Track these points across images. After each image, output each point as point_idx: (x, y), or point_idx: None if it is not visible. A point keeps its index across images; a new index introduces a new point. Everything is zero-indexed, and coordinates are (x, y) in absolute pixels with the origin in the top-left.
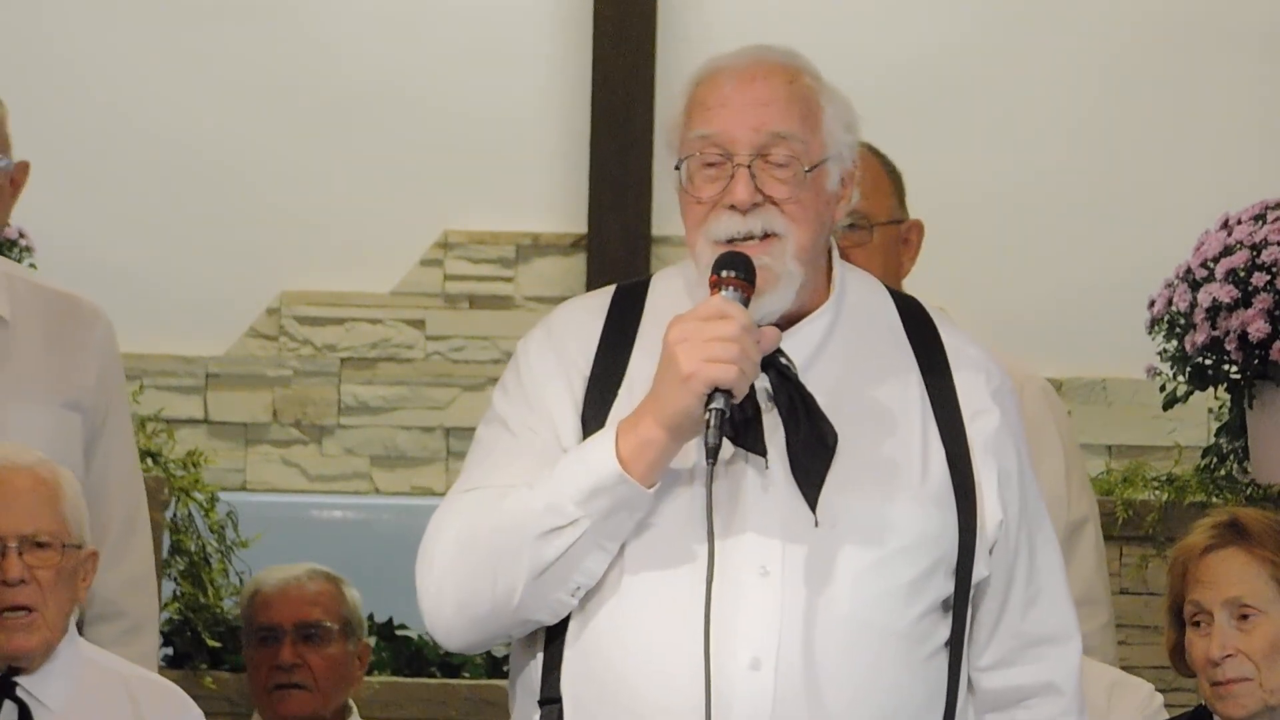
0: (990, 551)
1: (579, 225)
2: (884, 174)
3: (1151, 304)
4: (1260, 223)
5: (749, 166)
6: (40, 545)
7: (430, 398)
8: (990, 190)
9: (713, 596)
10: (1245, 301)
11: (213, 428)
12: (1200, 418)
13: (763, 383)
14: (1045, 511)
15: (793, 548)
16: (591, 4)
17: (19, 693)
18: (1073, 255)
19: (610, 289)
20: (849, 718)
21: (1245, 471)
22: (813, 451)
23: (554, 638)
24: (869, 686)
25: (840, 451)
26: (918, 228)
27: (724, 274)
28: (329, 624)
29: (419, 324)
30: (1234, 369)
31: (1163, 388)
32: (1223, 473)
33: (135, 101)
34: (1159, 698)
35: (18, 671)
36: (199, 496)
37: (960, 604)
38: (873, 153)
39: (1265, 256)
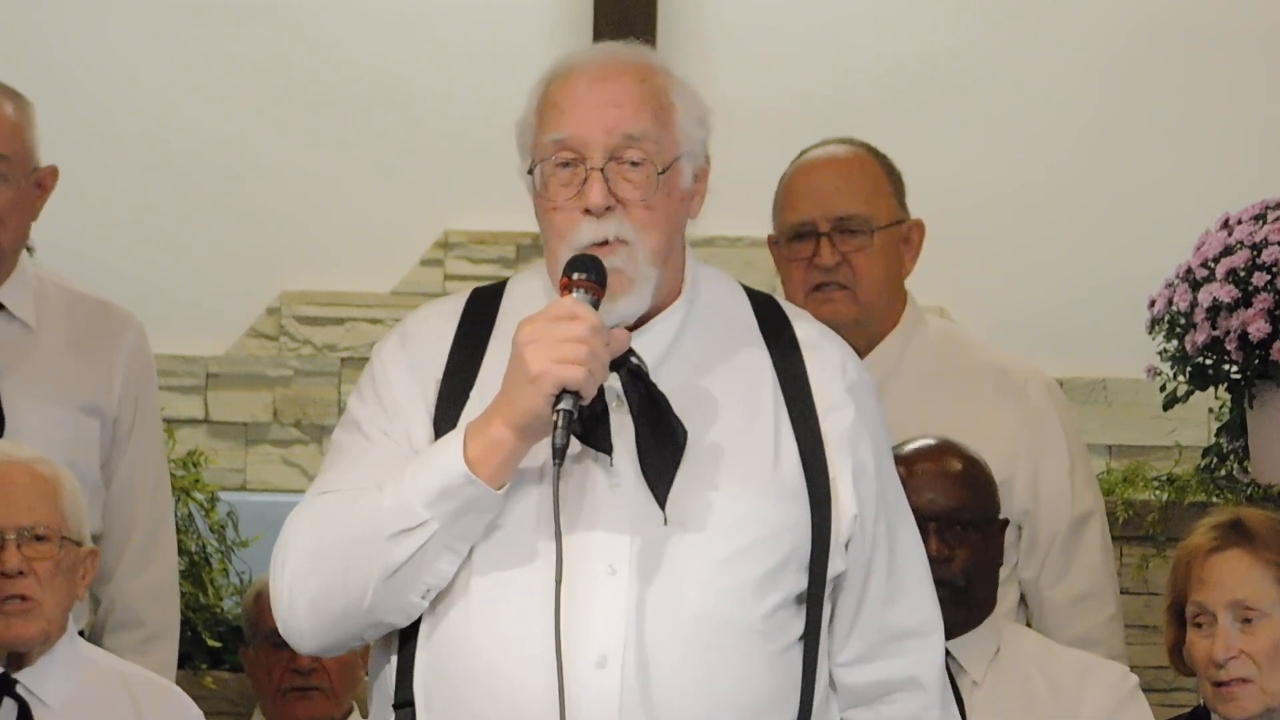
0: (846, 546)
1: None
2: (884, 176)
3: (1152, 304)
4: (1260, 222)
5: (602, 170)
6: (39, 538)
7: None
8: (991, 191)
9: (561, 595)
10: (1245, 301)
11: (213, 428)
12: (1200, 418)
13: (613, 382)
14: (908, 507)
15: (641, 545)
16: (591, 4)
17: (19, 690)
18: (1073, 255)
19: (466, 293)
20: (696, 714)
21: (1245, 471)
22: (662, 449)
23: (407, 640)
24: (717, 682)
25: (690, 448)
26: (919, 227)
27: (575, 276)
28: None
29: None
30: (1234, 369)
31: (1163, 388)
32: (1223, 473)
33: (135, 102)
34: (1133, 678)
35: (18, 668)
36: (199, 496)
37: (814, 599)
38: (872, 154)
39: (1265, 256)
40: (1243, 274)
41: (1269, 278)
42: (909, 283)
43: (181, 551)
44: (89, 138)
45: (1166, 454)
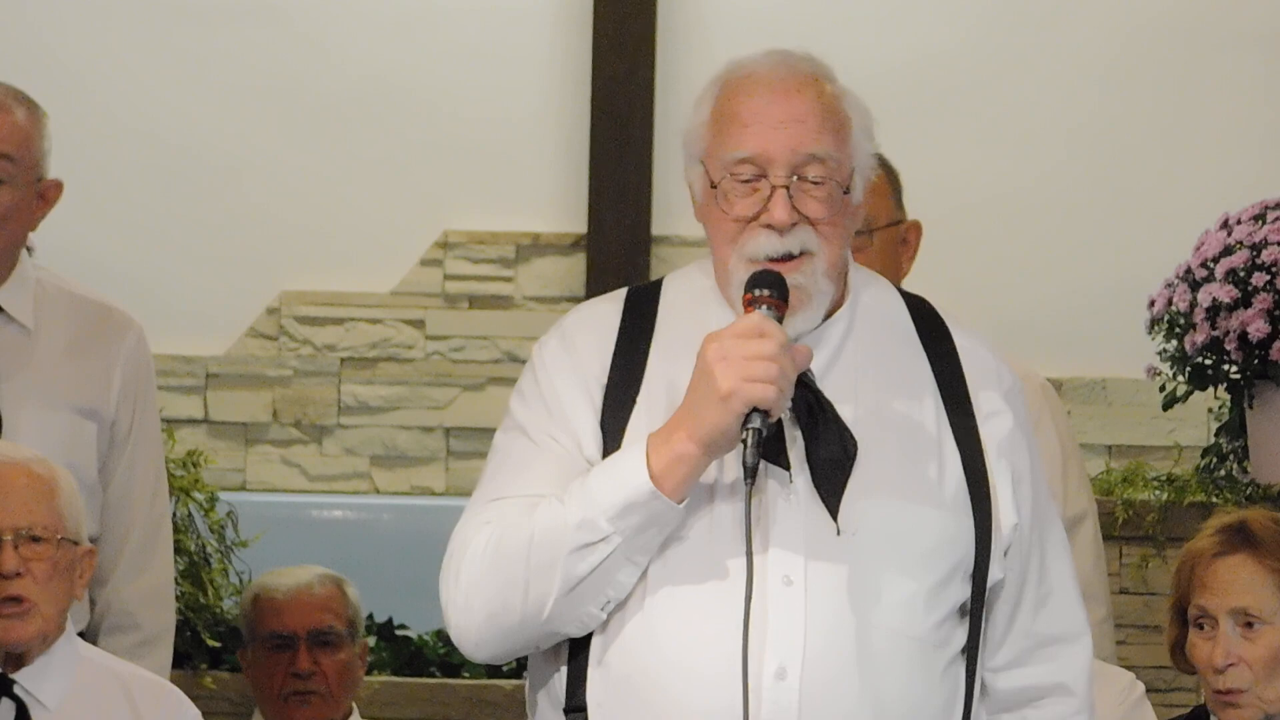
0: (1005, 554)
1: (579, 225)
2: (883, 177)
3: (1151, 304)
4: (1260, 223)
5: (787, 187)
6: (36, 539)
7: (430, 397)
8: (991, 191)
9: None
10: (1245, 301)
11: (213, 428)
12: (1200, 418)
13: None
14: (1056, 511)
15: (815, 557)
16: (591, 4)
17: (16, 690)
18: (1073, 256)
19: (621, 293)
20: None
21: (1245, 471)
22: (833, 461)
23: (579, 649)
24: (892, 694)
25: (859, 458)
26: (916, 228)
27: (758, 292)
28: (340, 629)
29: (419, 324)
30: (1234, 369)
31: (1162, 388)
32: (1222, 473)
33: (135, 103)
34: (1140, 686)
35: (16, 668)
36: (199, 496)
37: (976, 610)
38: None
39: (1265, 256)
40: (1242, 274)
41: (1268, 278)
42: (906, 283)
43: (181, 551)
44: (89, 138)
45: (1166, 454)
